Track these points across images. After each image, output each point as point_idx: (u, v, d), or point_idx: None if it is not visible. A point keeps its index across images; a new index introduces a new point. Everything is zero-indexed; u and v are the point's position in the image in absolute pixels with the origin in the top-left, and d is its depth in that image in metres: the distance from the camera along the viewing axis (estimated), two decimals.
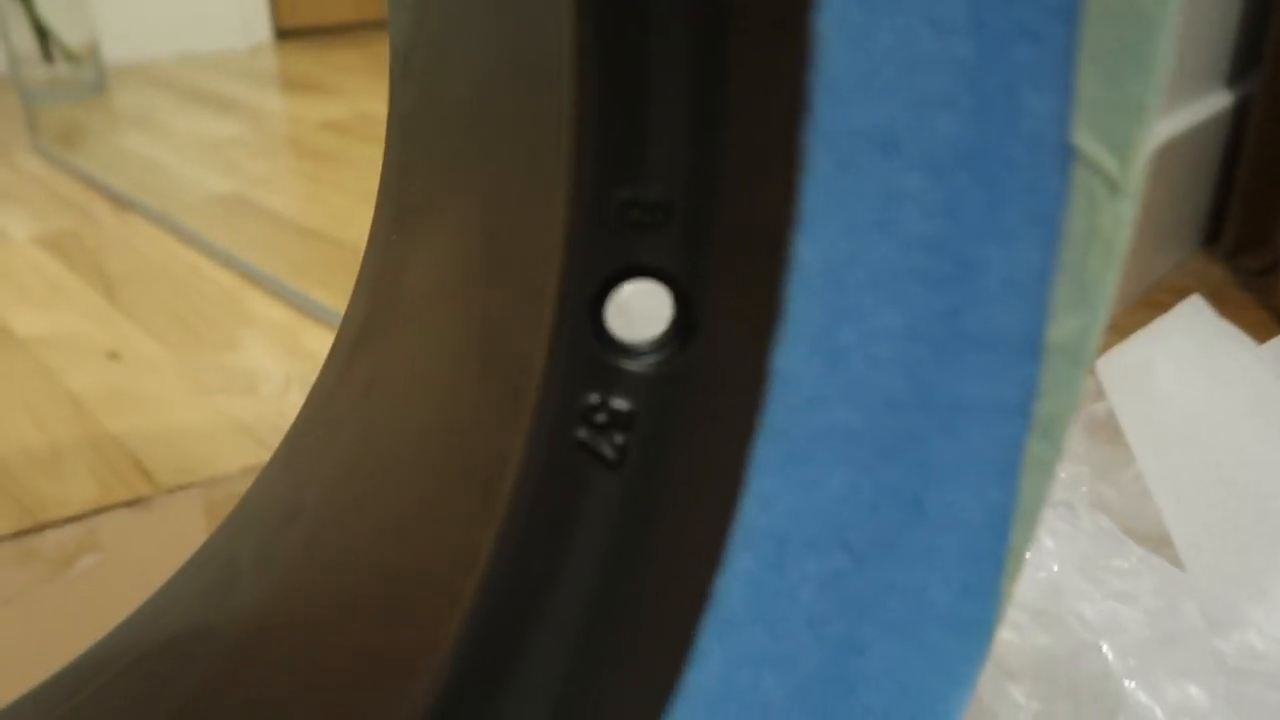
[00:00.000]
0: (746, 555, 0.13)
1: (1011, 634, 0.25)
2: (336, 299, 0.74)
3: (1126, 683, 0.24)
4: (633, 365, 0.14)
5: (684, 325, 0.13)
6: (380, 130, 0.24)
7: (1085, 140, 0.11)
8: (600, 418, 0.14)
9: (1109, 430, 0.36)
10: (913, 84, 0.11)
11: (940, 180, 0.11)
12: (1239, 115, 0.74)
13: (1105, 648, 0.25)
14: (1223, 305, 0.38)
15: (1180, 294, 0.38)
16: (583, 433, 0.14)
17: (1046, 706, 0.25)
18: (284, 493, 0.25)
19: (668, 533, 0.14)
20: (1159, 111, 0.10)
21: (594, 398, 0.14)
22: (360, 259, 0.25)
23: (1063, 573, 0.26)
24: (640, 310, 0.15)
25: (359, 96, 1.40)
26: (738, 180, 0.12)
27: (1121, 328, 0.32)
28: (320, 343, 0.69)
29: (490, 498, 0.15)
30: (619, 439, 0.14)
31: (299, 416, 0.27)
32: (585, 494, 0.14)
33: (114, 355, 0.68)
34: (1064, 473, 0.33)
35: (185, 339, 0.71)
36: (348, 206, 0.97)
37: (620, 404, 0.14)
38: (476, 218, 0.18)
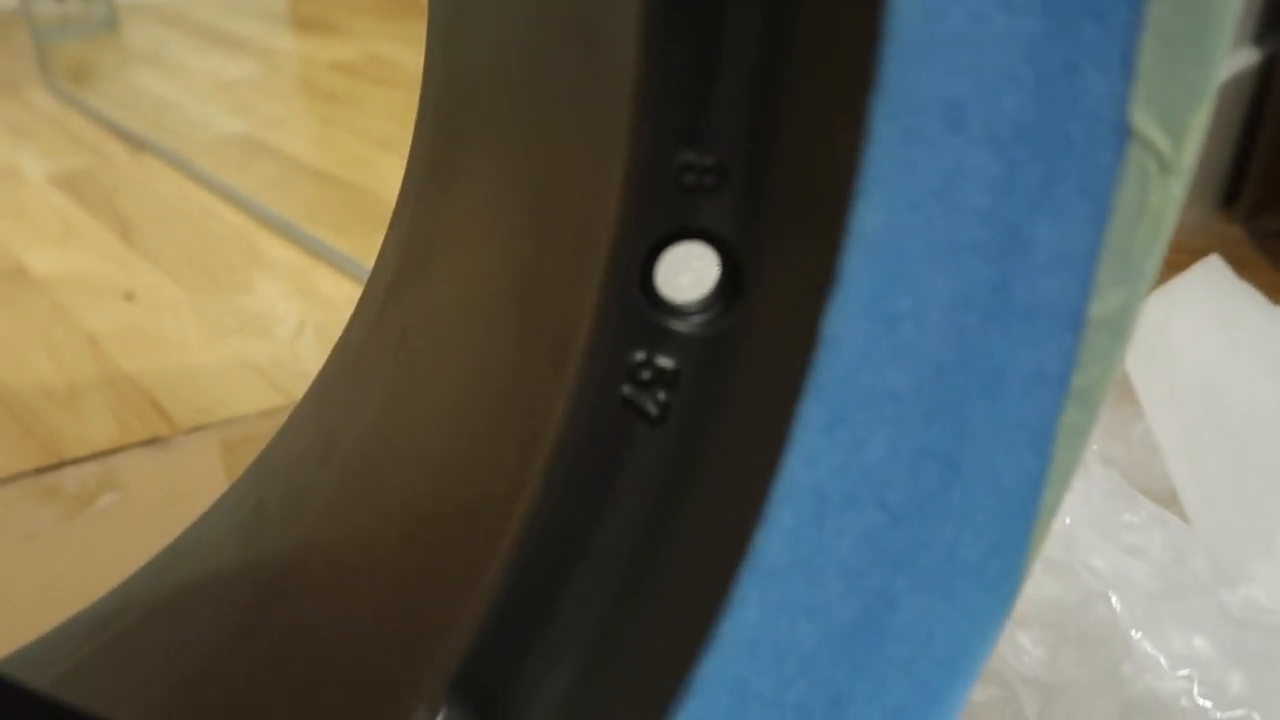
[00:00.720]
0: (787, 510, 0.13)
1: None
2: (349, 243, 0.74)
3: (1133, 632, 0.25)
4: (679, 325, 0.14)
5: (730, 288, 0.14)
6: (391, 72, 0.24)
7: (1141, 120, 0.11)
8: (645, 375, 0.14)
9: (1119, 387, 0.36)
10: (980, 60, 0.11)
11: (1000, 154, 0.11)
12: (1264, 73, 0.72)
13: (1113, 598, 0.25)
14: (1240, 266, 0.38)
15: (1197, 254, 0.38)
16: (627, 389, 0.14)
17: (1053, 653, 0.26)
18: (312, 440, 0.26)
19: (710, 486, 0.14)
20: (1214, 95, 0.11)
21: (640, 355, 0.14)
22: (372, 202, 0.25)
23: (1075, 525, 0.27)
24: (685, 271, 0.16)
25: (369, 37, 1.38)
26: (800, 147, 0.12)
27: None
28: (332, 286, 0.69)
29: (532, 448, 0.16)
30: (662, 396, 0.14)
31: (325, 367, 0.27)
32: (629, 448, 0.15)
33: (130, 295, 0.69)
34: None
35: (200, 280, 0.71)
36: (360, 149, 0.96)
37: (665, 362, 0.14)
38: (517, 177, 0.18)
